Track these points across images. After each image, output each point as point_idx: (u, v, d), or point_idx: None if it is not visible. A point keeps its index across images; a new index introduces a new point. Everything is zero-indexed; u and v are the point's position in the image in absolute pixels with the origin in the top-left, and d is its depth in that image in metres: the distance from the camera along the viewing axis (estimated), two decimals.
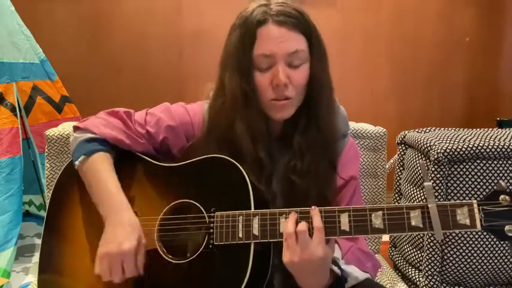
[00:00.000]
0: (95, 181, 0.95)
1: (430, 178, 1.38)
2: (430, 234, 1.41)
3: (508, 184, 1.38)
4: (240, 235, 0.85)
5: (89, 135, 0.99)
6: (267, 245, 0.87)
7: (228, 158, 0.91)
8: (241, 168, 0.89)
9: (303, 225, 0.80)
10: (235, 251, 0.85)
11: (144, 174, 1.00)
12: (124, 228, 0.88)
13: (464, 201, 0.78)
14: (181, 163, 0.97)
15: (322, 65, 0.96)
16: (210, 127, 0.98)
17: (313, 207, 0.83)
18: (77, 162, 0.97)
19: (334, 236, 0.82)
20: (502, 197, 0.77)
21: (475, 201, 0.78)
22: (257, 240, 0.84)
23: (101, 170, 0.96)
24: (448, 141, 1.40)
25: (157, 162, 1.00)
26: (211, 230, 0.87)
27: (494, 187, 1.36)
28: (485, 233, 1.39)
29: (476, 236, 1.39)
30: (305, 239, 0.79)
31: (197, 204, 0.91)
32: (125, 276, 0.87)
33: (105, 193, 0.94)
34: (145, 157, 1.01)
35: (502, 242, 1.38)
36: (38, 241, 2.30)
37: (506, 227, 0.76)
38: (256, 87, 0.92)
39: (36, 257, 2.17)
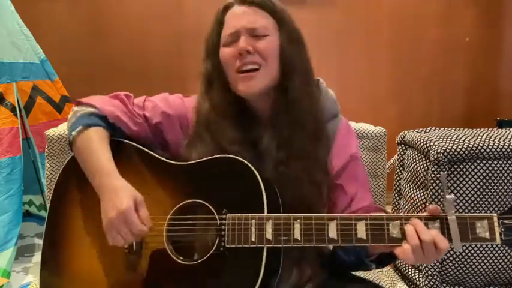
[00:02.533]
0: (87, 152, 0.97)
1: (430, 178, 1.38)
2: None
3: (508, 184, 1.38)
4: (253, 239, 0.84)
5: (90, 109, 1.02)
6: (277, 248, 0.85)
7: (240, 158, 0.89)
8: (254, 169, 0.87)
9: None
10: (247, 255, 0.84)
11: (152, 172, 0.98)
12: (116, 193, 0.88)
13: (484, 214, 0.77)
14: (191, 162, 0.95)
15: (294, 47, 0.97)
16: (197, 121, 1.02)
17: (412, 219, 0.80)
18: (73, 133, 0.98)
19: (351, 244, 0.82)
20: None
21: (495, 214, 0.77)
22: (270, 244, 0.83)
23: (94, 142, 0.97)
24: (448, 141, 1.40)
25: (166, 160, 0.98)
26: (223, 232, 0.86)
27: (494, 187, 1.37)
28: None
29: None
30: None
31: (208, 204, 0.89)
32: (135, 236, 0.87)
33: (96, 163, 0.94)
34: (154, 154, 1.00)
35: None
36: (38, 241, 2.30)
37: None
38: (221, 64, 0.96)
39: (36, 257, 2.17)
